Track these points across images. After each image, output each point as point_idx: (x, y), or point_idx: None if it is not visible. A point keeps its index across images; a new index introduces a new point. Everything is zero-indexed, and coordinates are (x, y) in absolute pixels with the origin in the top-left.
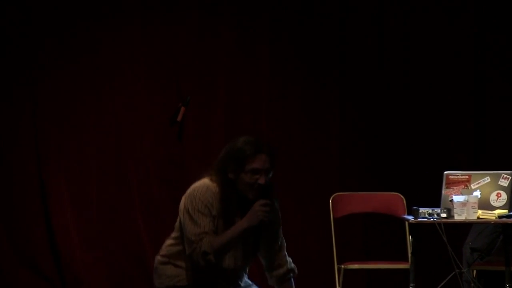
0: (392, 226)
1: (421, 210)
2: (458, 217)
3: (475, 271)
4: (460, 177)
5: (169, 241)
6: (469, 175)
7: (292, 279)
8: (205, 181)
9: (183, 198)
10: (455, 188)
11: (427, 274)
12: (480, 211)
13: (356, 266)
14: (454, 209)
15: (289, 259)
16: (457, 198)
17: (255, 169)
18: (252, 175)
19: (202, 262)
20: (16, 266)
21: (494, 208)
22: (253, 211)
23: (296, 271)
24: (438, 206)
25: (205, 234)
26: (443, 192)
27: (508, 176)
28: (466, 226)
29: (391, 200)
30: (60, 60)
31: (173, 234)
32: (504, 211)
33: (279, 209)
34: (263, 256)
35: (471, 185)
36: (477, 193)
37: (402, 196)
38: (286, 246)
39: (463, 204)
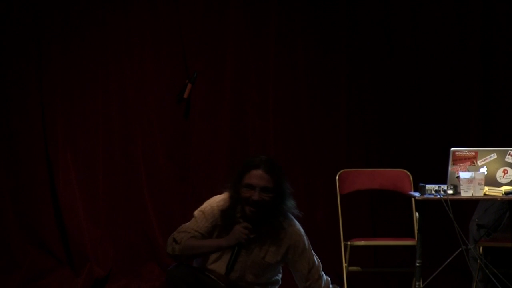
0: (398, 203)
1: (428, 186)
2: (465, 193)
3: (481, 248)
4: (467, 153)
5: None
6: (476, 152)
7: None
8: (223, 198)
9: None
10: (461, 164)
11: (433, 251)
12: (486, 188)
13: (362, 242)
14: (461, 186)
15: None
16: (463, 175)
17: (249, 184)
18: (247, 190)
19: (169, 248)
20: (23, 243)
21: (500, 184)
22: (233, 231)
23: None
24: (444, 183)
25: (192, 231)
26: (450, 168)
27: None
28: (472, 202)
29: (398, 177)
30: (67, 37)
31: None
32: (510, 188)
33: (307, 249)
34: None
35: (478, 162)
36: (483, 170)
37: (408, 173)
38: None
39: (470, 180)
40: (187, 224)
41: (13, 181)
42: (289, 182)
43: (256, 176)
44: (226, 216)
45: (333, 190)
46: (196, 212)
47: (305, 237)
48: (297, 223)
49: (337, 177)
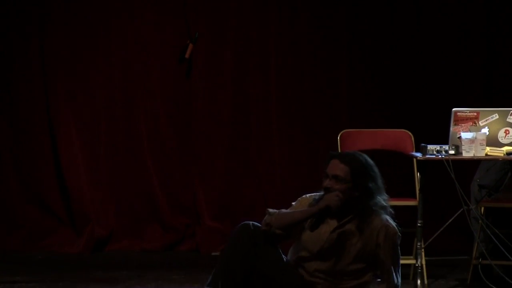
0: (400, 163)
1: (429, 147)
2: (466, 154)
3: (483, 208)
4: (468, 114)
5: None
6: (477, 112)
7: None
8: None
9: None
10: (463, 125)
11: (435, 211)
12: (488, 148)
13: None
14: (462, 146)
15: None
16: (465, 135)
17: (325, 173)
18: (324, 179)
19: (263, 221)
20: (25, 203)
21: (502, 145)
22: (325, 197)
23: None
24: (446, 143)
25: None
26: (451, 129)
27: None
28: (474, 163)
29: (400, 137)
30: None
31: None
32: None
33: (394, 245)
34: None
35: (479, 122)
36: (485, 130)
37: (410, 133)
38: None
39: (471, 141)
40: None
41: (14, 143)
42: (382, 180)
43: (331, 165)
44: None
45: (335, 150)
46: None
47: (395, 229)
48: (388, 217)
49: (338, 138)
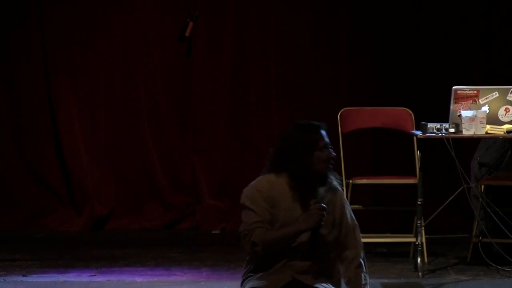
0: (400, 141)
1: (430, 125)
2: (467, 132)
3: (483, 186)
4: (469, 92)
5: None
6: (478, 90)
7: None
8: (261, 176)
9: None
10: (463, 103)
11: (435, 189)
12: (488, 126)
13: (364, 181)
14: (463, 124)
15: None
16: (465, 113)
17: (326, 144)
18: (326, 151)
19: (250, 252)
20: (25, 183)
21: (502, 123)
22: (311, 213)
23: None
24: (446, 121)
25: (259, 223)
26: (452, 107)
27: None
28: (474, 141)
29: (400, 115)
30: None
31: None
32: None
33: (345, 203)
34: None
35: (480, 100)
36: (485, 108)
37: (410, 111)
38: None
39: (472, 119)
40: (247, 218)
41: (14, 121)
42: None
43: (325, 136)
44: (303, 190)
45: (334, 128)
46: (244, 202)
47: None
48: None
49: (338, 116)
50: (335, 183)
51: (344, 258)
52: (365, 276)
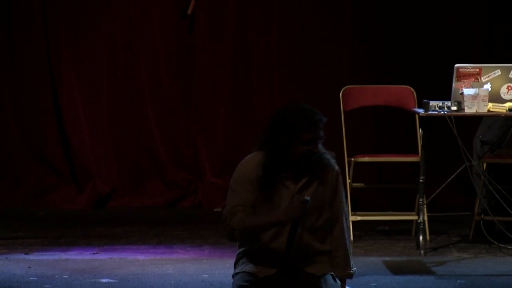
0: (402, 119)
1: (432, 103)
2: (469, 110)
3: (485, 164)
4: (471, 70)
5: None
6: (480, 68)
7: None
8: (252, 154)
9: None
10: (465, 81)
11: (437, 167)
12: (490, 104)
13: (366, 159)
14: (465, 102)
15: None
16: (467, 91)
17: (312, 139)
18: (307, 146)
19: (229, 236)
20: (27, 159)
21: (504, 101)
22: (292, 206)
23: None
24: (448, 99)
25: (240, 207)
26: (454, 85)
27: None
28: (476, 119)
29: (402, 93)
30: None
31: None
32: None
33: (341, 186)
34: None
35: (482, 78)
36: (487, 86)
37: (412, 89)
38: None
39: (474, 97)
40: (231, 199)
41: (16, 99)
42: None
43: (315, 130)
44: (271, 174)
45: (337, 106)
46: (231, 183)
47: (339, 169)
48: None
49: (341, 94)
50: (331, 162)
51: (332, 243)
52: (351, 262)
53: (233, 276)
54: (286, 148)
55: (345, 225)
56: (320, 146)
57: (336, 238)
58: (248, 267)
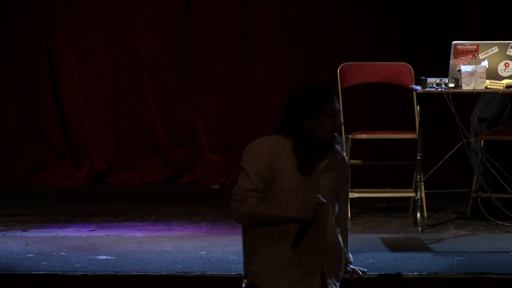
0: (400, 96)
1: (429, 80)
2: (466, 87)
3: (482, 141)
4: (468, 47)
5: None
6: (477, 45)
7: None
8: (266, 136)
9: None
10: (463, 58)
11: (434, 144)
12: (488, 81)
13: (364, 136)
14: (462, 79)
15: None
16: (465, 68)
17: (334, 111)
18: (331, 118)
19: (237, 220)
20: (24, 137)
21: (502, 78)
22: (307, 206)
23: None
24: (446, 76)
25: (252, 192)
26: (451, 62)
27: None
28: (474, 96)
29: (399, 70)
30: None
31: None
32: None
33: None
34: None
35: (479, 55)
36: (485, 63)
37: (410, 66)
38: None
39: (471, 74)
40: (243, 182)
41: (14, 75)
42: None
43: (335, 102)
44: (304, 155)
45: (334, 83)
46: (244, 165)
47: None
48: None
49: (338, 71)
50: (343, 155)
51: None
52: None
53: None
54: (311, 127)
55: (348, 220)
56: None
57: (342, 232)
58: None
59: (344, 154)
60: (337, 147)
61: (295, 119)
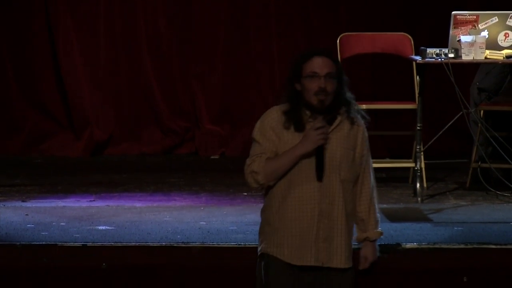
0: (399, 67)
1: (429, 50)
2: (466, 57)
3: (482, 111)
4: (468, 17)
5: None
6: (477, 15)
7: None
8: (277, 106)
9: None
10: (462, 28)
11: (434, 115)
12: (487, 51)
13: (364, 106)
14: (462, 49)
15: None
16: (464, 38)
17: (313, 72)
18: (311, 80)
19: (252, 182)
20: (24, 107)
21: (501, 48)
22: (306, 135)
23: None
24: (446, 47)
25: (260, 155)
26: (451, 32)
27: None
28: (473, 66)
29: (399, 41)
30: None
31: None
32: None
33: (365, 139)
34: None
35: (479, 25)
36: (484, 33)
37: (409, 37)
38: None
39: (471, 44)
40: (253, 150)
41: (13, 47)
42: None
43: (318, 63)
44: (293, 118)
45: (334, 54)
46: (254, 135)
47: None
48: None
49: (338, 41)
50: (358, 116)
51: (359, 198)
52: (377, 216)
53: (260, 255)
54: (299, 88)
55: (373, 182)
56: (332, 85)
57: (365, 197)
58: (279, 251)
59: (363, 121)
60: (353, 112)
61: (289, 83)
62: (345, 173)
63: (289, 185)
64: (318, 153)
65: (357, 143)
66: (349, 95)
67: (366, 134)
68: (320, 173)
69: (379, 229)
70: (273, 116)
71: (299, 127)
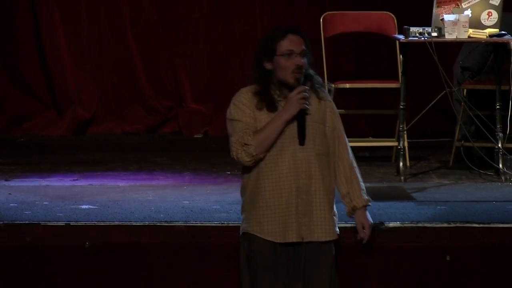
0: (383, 46)
1: (412, 29)
2: (449, 36)
3: (465, 90)
4: None
5: None
6: None
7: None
8: (248, 87)
9: None
10: (446, 7)
11: (417, 93)
12: (471, 30)
13: (347, 85)
14: (445, 28)
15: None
16: (448, 17)
17: (290, 50)
18: (287, 58)
19: (244, 156)
20: (8, 87)
21: (485, 27)
22: (290, 100)
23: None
24: (429, 26)
25: (245, 130)
26: (434, 11)
27: None
28: (457, 45)
29: (382, 19)
30: None
31: None
32: (495, 30)
33: (334, 113)
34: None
35: (462, 4)
36: (468, 12)
37: (393, 15)
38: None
39: (454, 23)
40: (235, 129)
41: None
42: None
43: (294, 41)
44: (265, 99)
45: (317, 33)
46: (230, 115)
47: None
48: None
49: (321, 20)
50: (324, 90)
51: (338, 172)
52: (361, 185)
53: (242, 234)
54: (271, 67)
55: (351, 154)
56: (305, 62)
57: (344, 169)
58: (260, 229)
59: (327, 94)
60: (318, 86)
61: (258, 63)
62: (319, 146)
63: (266, 163)
64: (300, 118)
65: (326, 117)
66: (310, 70)
67: (336, 109)
68: (302, 137)
69: (366, 196)
70: (246, 97)
71: (272, 108)
